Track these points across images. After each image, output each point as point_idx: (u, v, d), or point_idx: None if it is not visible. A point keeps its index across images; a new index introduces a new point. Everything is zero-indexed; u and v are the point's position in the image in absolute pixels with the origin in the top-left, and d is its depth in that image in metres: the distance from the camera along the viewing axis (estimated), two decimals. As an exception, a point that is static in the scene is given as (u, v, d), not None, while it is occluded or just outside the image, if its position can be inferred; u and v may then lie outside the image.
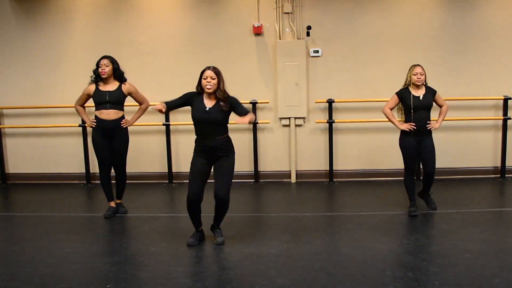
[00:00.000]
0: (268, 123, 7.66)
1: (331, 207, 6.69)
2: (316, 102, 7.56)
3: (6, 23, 7.68)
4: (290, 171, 7.73)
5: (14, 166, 7.98)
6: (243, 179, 7.54)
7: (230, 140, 4.77)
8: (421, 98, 5.53)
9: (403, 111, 5.68)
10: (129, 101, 5.90)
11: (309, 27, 7.34)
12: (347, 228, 5.29)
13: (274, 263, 4.34)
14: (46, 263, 4.43)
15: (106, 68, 5.67)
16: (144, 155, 7.69)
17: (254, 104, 7.48)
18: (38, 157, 7.90)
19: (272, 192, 7.18)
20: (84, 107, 5.96)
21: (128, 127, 5.84)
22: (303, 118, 7.63)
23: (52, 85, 7.72)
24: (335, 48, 7.53)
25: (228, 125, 4.77)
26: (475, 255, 4.39)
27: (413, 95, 5.54)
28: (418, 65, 5.59)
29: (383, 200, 6.44)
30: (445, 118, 5.80)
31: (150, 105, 4.65)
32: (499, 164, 7.58)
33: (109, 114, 5.67)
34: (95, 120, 5.70)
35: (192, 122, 4.80)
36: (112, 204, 5.99)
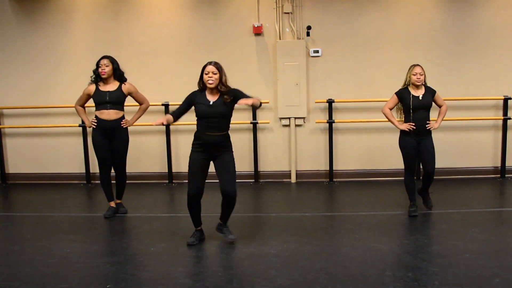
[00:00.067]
0: (268, 123, 7.66)
1: (331, 207, 6.69)
2: (316, 102, 7.56)
3: (6, 23, 7.68)
4: (290, 171, 7.73)
5: (14, 166, 7.98)
6: (243, 179, 7.53)
7: (229, 137, 4.77)
8: (420, 98, 5.53)
9: (402, 111, 5.68)
10: (129, 101, 5.90)
11: (309, 27, 7.34)
12: (347, 228, 5.30)
13: (274, 263, 4.34)
14: (46, 263, 4.43)
15: (106, 68, 5.67)
16: (144, 155, 7.69)
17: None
18: (38, 157, 7.90)
19: (272, 192, 7.18)
20: (84, 108, 5.96)
21: (128, 127, 5.85)
22: (303, 118, 7.63)
23: (52, 85, 7.72)
24: (335, 48, 7.53)
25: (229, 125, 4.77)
26: (475, 255, 4.39)
27: (412, 95, 5.54)
28: (418, 65, 5.59)
29: (383, 200, 6.44)
30: (445, 118, 5.81)
31: (152, 124, 4.64)
32: (499, 164, 7.58)
33: (109, 114, 5.67)
34: (95, 120, 5.70)
35: (192, 122, 4.80)
36: (112, 204, 5.99)
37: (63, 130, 7.79)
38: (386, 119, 5.76)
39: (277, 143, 7.73)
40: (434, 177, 5.72)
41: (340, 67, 7.54)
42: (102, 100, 5.67)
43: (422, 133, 5.55)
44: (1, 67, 7.78)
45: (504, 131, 7.47)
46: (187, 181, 4.84)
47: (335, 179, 7.63)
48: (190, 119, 4.91)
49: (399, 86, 5.71)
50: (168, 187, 7.55)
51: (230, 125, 4.78)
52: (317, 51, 7.49)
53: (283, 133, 7.72)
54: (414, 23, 7.49)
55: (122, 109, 5.77)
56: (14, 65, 7.74)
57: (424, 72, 5.55)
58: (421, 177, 6.18)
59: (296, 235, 5.08)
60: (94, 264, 4.43)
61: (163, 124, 4.62)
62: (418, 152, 5.61)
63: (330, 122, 7.50)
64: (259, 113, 7.59)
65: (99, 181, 6.06)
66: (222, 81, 4.63)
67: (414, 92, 5.56)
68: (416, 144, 5.57)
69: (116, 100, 5.69)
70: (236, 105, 4.67)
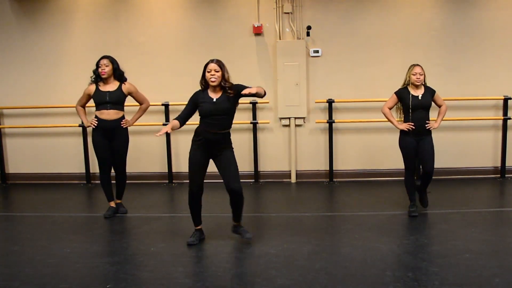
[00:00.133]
0: (268, 123, 7.66)
1: (331, 207, 6.68)
2: (316, 102, 7.56)
3: (6, 23, 7.68)
4: (290, 171, 7.73)
5: (14, 166, 7.98)
6: (243, 179, 7.41)
7: (230, 135, 4.77)
8: (420, 97, 5.53)
9: (401, 111, 5.68)
10: (129, 101, 5.90)
11: (309, 27, 7.34)
12: (347, 228, 5.29)
13: (274, 263, 4.34)
14: (46, 263, 4.43)
15: (106, 68, 5.67)
16: (144, 155, 7.69)
17: (254, 104, 7.48)
18: (38, 157, 7.90)
19: (272, 192, 7.18)
20: (85, 108, 5.96)
21: (128, 127, 5.85)
22: (303, 118, 7.63)
23: (52, 85, 7.72)
24: (335, 48, 7.53)
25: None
26: (475, 255, 4.39)
27: (412, 95, 5.54)
28: (418, 65, 5.58)
29: (383, 200, 6.43)
30: (445, 118, 5.80)
31: (156, 135, 4.57)
32: (499, 164, 7.58)
33: (110, 114, 5.67)
34: (96, 120, 5.70)
35: (192, 122, 4.80)
36: (112, 204, 5.99)
37: (63, 130, 7.79)
38: (386, 119, 5.76)
39: (277, 143, 7.73)
40: (434, 177, 5.72)
41: (340, 67, 7.54)
42: (102, 100, 5.66)
43: (421, 133, 5.55)
44: (1, 67, 7.78)
45: (504, 131, 7.47)
46: (187, 181, 4.84)
47: (335, 179, 7.63)
48: (190, 119, 4.90)
49: (399, 86, 5.71)
50: (168, 187, 7.55)
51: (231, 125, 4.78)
52: (317, 51, 7.49)
53: (283, 133, 7.72)
54: (414, 23, 7.49)
55: (122, 109, 5.77)
56: (14, 65, 7.74)
57: (423, 72, 5.55)
58: (420, 176, 6.18)
59: (296, 235, 5.08)
60: (94, 264, 4.43)
61: (167, 133, 4.57)
62: (417, 152, 5.61)
63: (330, 122, 7.50)
64: (259, 113, 7.59)
65: (99, 181, 6.06)
66: (225, 78, 4.63)
67: (414, 92, 5.55)
68: (416, 144, 5.57)
69: (116, 100, 5.69)
70: (239, 103, 4.67)
